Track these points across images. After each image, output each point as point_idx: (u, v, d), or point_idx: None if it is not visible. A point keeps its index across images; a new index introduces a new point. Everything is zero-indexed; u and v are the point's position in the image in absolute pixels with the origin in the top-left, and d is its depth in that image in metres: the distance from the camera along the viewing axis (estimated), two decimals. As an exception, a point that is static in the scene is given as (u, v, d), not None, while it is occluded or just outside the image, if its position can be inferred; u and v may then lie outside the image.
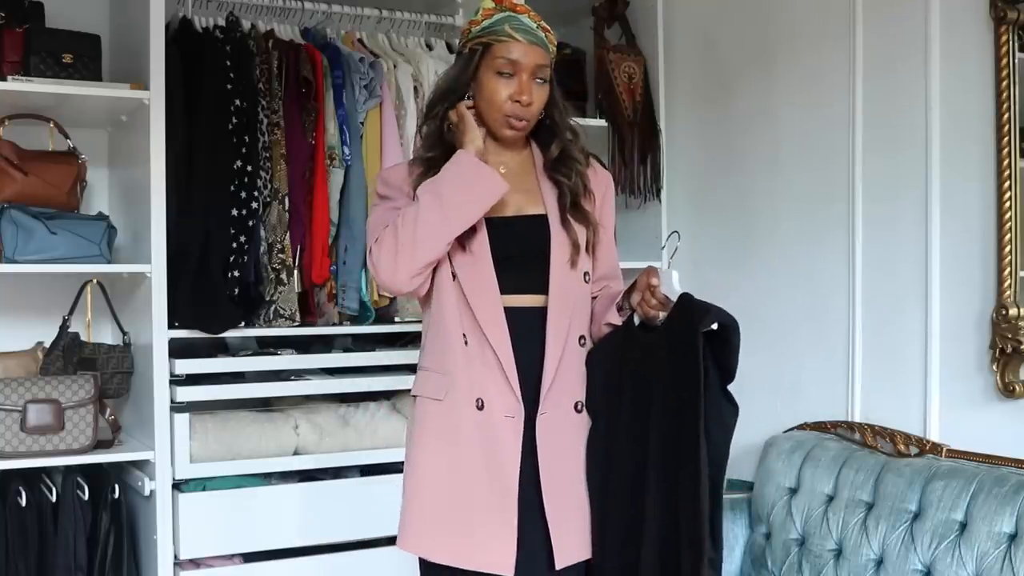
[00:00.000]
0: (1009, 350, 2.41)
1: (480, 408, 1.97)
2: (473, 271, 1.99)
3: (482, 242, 1.99)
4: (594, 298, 2.13)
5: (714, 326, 1.89)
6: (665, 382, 1.95)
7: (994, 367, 2.46)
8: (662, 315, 1.98)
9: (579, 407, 2.04)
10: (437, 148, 2.04)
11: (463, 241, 1.99)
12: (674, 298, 1.95)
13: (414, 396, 2.08)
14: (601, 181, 2.16)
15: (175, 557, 2.84)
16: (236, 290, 2.92)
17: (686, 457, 1.89)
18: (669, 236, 2.01)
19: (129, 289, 3.02)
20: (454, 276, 2.00)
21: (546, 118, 2.07)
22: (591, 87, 3.68)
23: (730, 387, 1.95)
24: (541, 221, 2.04)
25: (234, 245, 2.89)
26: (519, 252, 2.02)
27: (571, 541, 2.01)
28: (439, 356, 2.02)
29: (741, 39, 3.19)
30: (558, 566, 1.98)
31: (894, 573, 2.38)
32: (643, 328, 2.02)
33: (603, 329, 2.09)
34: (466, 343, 1.98)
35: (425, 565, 2.03)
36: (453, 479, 1.98)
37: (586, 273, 2.07)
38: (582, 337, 2.06)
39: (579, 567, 2.04)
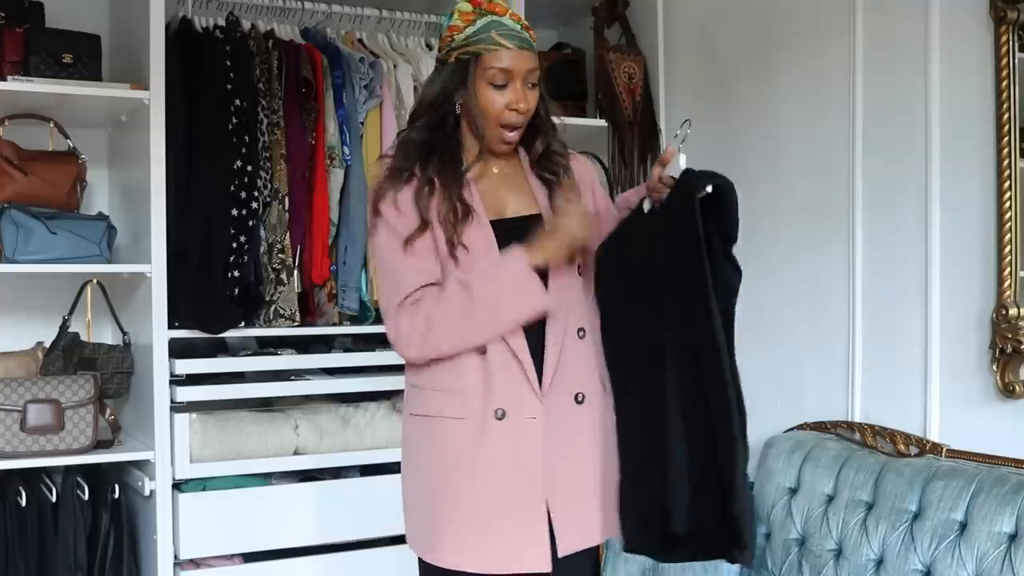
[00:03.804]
0: (1009, 350, 2.42)
1: (501, 418, 1.96)
2: None
3: (491, 245, 1.99)
4: None
5: (708, 189, 1.89)
6: (670, 257, 1.95)
7: (994, 367, 2.46)
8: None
9: (580, 398, 2.04)
10: (413, 158, 2.01)
11: (471, 245, 1.97)
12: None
13: (426, 416, 2.04)
14: (586, 171, 2.17)
15: (175, 557, 2.84)
16: (236, 290, 2.92)
17: (699, 323, 1.90)
18: (682, 124, 2.02)
19: (129, 289, 3.02)
20: None
21: (534, 117, 2.06)
22: (591, 87, 3.68)
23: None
24: (537, 221, 2.04)
25: (234, 245, 2.89)
26: None
27: (575, 535, 2.02)
28: (452, 374, 1.99)
29: (741, 39, 3.19)
30: (560, 554, 2.00)
31: (894, 573, 2.38)
32: (651, 214, 2.02)
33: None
34: (483, 352, 1.97)
35: (426, 567, 2.04)
36: (486, 491, 1.97)
37: (579, 264, 2.08)
38: (581, 329, 2.06)
39: (587, 552, 2.06)
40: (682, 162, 1.97)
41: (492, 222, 2.01)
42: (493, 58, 1.94)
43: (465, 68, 1.97)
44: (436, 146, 2.01)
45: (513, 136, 2.02)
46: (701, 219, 1.89)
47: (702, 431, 1.92)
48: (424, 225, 1.96)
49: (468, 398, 1.97)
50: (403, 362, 2.12)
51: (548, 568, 1.97)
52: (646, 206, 2.03)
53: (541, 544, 1.97)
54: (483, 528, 1.97)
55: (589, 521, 2.05)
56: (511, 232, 2.01)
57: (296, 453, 3.00)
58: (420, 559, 2.05)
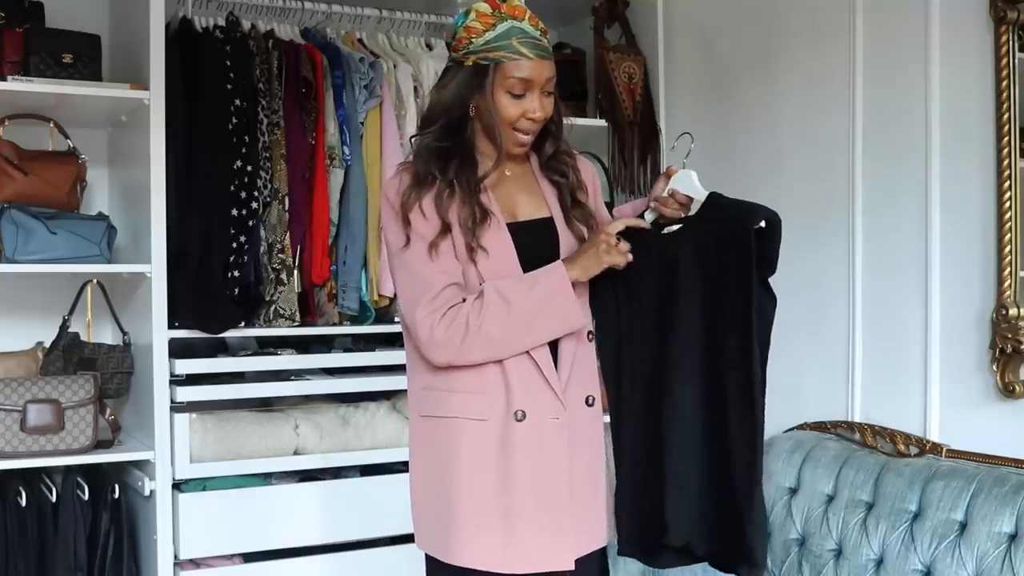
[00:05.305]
0: (1009, 350, 2.42)
1: (521, 419, 1.96)
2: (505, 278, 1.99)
3: (509, 248, 1.99)
4: None
5: (762, 224, 1.91)
6: (699, 277, 1.96)
7: (994, 367, 2.46)
8: (682, 214, 2.00)
9: (590, 401, 2.06)
10: (432, 164, 1.99)
11: (489, 248, 1.97)
12: (696, 195, 1.97)
13: (442, 417, 2.01)
14: (588, 171, 2.18)
15: (175, 557, 2.84)
16: (236, 290, 2.92)
17: (731, 351, 1.92)
18: (679, 137, 2.03)
19: (129, 289, 3.02)
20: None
21: (547, 121, 2.06)
22: (591, 87, 3.68)
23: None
24: (549, 223, 2.06)
25: (234, 245, 2.89)
26: (538, 255, 2.01)
27: (589, 536, 2.05)
28: (474, 376, 1.98)
29: (741, 39, 3.19)
30: (577, 555, 2.01)
31: (894, 573, 2.39)
32: (659, 226, 2.02)
33: None
34: None
35: (437, 566, 2.03)
36: (507, 490, 1.96)
37: None
38: (589, 332, 2.07)
39: (596, 552, 2.08)
40: (694, 179, 1.98)
41: (507, 225, 2.01)
42: (514, 67, 1.92)
43: (483, 74, 1.94)
44: (454, 151, 2.00)
45: (528, 140, 2.02)
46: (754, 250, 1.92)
47: (714, 451, 1.94)
48: (446, 228, 1.96)
49: (490, 399, 1.97)
50: (403, 362, 2.11)
51: (572, 567, 1.98)
52: (649, 217, 2.04)
53: (568, 544, 1.98)
54: (512, 528, 1.96)
55: (600, 522, 2.07)
56: (524, 234, 2.02)
57: (296, 453, 3.00)
58: (432, 560, 2.04)
